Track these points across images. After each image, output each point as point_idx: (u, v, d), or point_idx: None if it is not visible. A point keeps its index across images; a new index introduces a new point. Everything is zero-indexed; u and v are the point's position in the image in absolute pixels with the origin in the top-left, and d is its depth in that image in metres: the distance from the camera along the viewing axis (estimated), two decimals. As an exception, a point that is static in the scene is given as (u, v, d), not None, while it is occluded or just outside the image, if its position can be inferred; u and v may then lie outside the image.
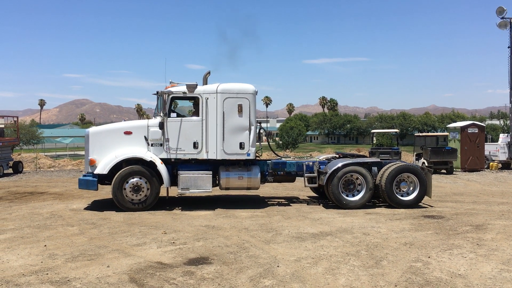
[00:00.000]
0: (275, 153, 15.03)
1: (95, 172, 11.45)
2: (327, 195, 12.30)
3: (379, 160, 12.83)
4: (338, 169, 11.90)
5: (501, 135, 29.64)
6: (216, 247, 7.83)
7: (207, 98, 11.73)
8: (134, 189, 11.35)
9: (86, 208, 11.86)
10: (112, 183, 11.38)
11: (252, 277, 6.21)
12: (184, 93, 11.70)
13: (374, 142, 32.63)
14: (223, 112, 11.70)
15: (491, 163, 26.38)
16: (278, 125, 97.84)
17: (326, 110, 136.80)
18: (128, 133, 11.75)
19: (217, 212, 11.31)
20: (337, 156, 13.70)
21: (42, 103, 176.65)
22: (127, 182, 11.34)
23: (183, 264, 6.84)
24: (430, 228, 9.41)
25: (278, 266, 6.70)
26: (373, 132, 29.75)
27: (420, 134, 35.59)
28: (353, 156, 13.66)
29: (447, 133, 27.86)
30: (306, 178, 12.50)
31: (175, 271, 6.49)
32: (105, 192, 15.14)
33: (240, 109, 11.74)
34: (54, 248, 7.72)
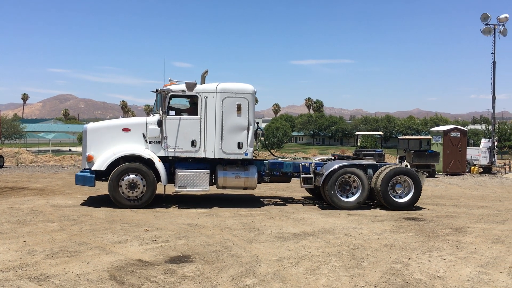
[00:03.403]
0: (271, 153, 15.10)
1: (92, 168, 11.42)
2: (323, 196, 12.39)
3: (375, 162, 12.95)
4: (335, 170, 11.97)
5: (483, 140, 30.12)
6: (198, 245, 7.81)
7: (206, 97, 11.76)
8: (130, 186, 11.31)
9: (68, 205, 11.73)
10: (109, 179, 11.35)
11: (234, 276, 6.21)
12: (183, 91, 11.72)
13: (359, 144, 32.91)
14: (222, 111, 11.74)
15: (472, 167, 26.77)
16: (264, 125, 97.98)
17: (311, 111, 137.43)
18: (126, 130, 11.74)
19: (200, 210, 11.28)
20: (333, 157, 13.79)
21: (25, 98, 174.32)
22: (123, 179, 11.30)
23: (164, 262, 6.80)
24: (411, 230, 9.51)
25: (259, 266, 6.71)
26: (358, 134, 30.01)
27: (404, 137, 35.91)
28: (348, 158, 13.79)
29: (430, 137, 28.21)
30: (302, 179, 12.54)
31: (156, 269, 6.45)
32: (87, 189, 14.99)
33: (239, 108, 11.79)
34: (34, 244, 7.62)
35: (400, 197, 12.26)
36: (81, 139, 62.98)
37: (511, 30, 28.49)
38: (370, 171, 12.40)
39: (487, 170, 27.30)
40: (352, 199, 12.09)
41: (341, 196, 12.08)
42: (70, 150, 56.98)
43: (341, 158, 13.56)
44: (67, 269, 6.31)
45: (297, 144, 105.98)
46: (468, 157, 27.02)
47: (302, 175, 12.47)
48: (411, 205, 12.24)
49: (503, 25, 28.67)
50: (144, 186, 11.37)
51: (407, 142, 27.45)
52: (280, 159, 13.34)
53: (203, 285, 5.83)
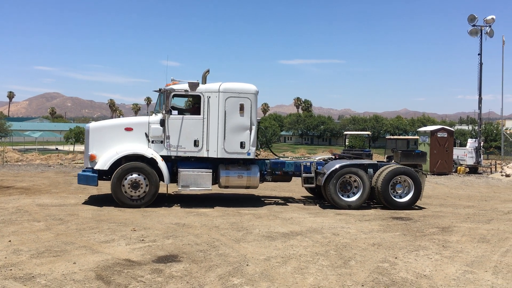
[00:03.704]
0: (273, 153, 15.17)
1: (95, 168, 11.38)
2: (324, 195, 12.44)
3: (375, 162, 13.03)
4: (336, 170, 12.03)
5: (469, 140, 30.42)
6: (185, 245, 7.78)
7: (209, 97, 11.79)
8: (133, 185, 11.28)
9: (54, 204, 11.62)
10: (112, 179, 11.30)
11: (221, 275, 6.20)
12: (186, 91, 11.74)
13: (347, 143, 33.08)
14: (225, 111, 11.78)
15: (458, 167, 27.01)
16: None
17: (300, 111, 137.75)
18: (128, 129, 11.72)
19: (188, 210, 11.24)
20: (333, 157, 13.83)
21: (11, 96, 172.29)
22: (126, 178, 11.26)
23: (151, 261, 6.77)
24: (398, 230, 9.57)
25: (247, 265, 6.70)
26: (346, 134, 30.14)
27: (392, 137, 36.16)
28: (349, 157, 13.82)
29: (418, 137, 28.41)
30: (303, 178, 12.56)
31: (143, 268, 6.42)
32: (74, 188, 14.88)
33: (241, 108, 11.84)
34: (19, 244, 7.53)
35: (401, 197, 12.36)
36: (68, 138, 62.40)
37: (497, 32, 28.82)
38: (370, 170, 12.48)
39: (473, 170, 27.57)
40: (354, 198, 12.16)
41: (342, 195, 12.15)
42: (56, 148, 56.48)
43: (341, 157, 13.64)
44: (53, 269, 6.25)
45: (286, 144, 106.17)
46: (454, 157, 27.27)
47: (304, 175, 12.51)
48: (411, 205, 12.34)
49: (490, 26, 28.98)
50: (147, 185, 11.36)
51: (395, 142, 27.66)
52: (281, 159, 13.42)
53: (191, 285, 5.81)
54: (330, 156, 13.92)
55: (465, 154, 28.22)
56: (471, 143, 29.24)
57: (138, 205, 11.26)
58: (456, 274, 6.56)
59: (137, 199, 11.34)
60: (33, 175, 19.22)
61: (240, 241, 8.19)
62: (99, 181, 11.61)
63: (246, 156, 11.95)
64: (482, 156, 29.24)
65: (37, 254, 6.97)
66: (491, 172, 27.26)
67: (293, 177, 12.95)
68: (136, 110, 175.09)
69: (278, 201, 13.40)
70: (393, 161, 14.15)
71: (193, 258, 6.98)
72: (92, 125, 11.99)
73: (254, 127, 11.97)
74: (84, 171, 11.73)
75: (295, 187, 16.07)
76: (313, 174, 12.49)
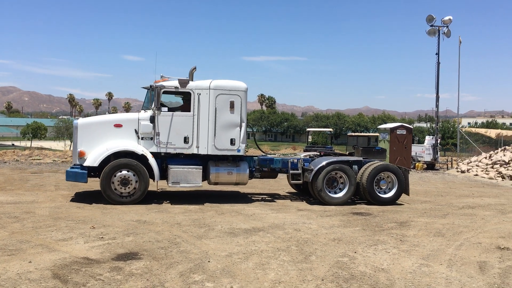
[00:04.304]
0: (260, 150, 15.24)
1: (84, 164, 11.18)
2: (311, 191, 12.61)
3: (360, 158, 13.29)
4: (323, 167, 12.21)
5: (427, 137, 31.35)
6: (146, 242, 7.69)
7: (199, 94, 11.79)
8: (123, 182, 11.15)
9: (9, 201, 11.23)
10: (101, 175, 11.12)
11: (182, 272, 6.15)
12: (176, 87, 11.67)
13: (310, 140, 33.43)
14: (215, 108, 11.82)
15: (417, 164, 27.80)
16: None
17: (264, 108, 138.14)
18: (118, 125, 11.60)
19: (150, 207, 11.11)
20: (319, 153, 14.05)
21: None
22: (115, 175, 11.11)
23: (111, 259, 6.65)
24: (358, 225, 9.76)
25: (209, 261, 6.68)
26: (309, 131, 30.45)
27: (353, 134, 36.80)
28: (335, 154, 14.07)
29: (378, 134, 29.04)
30: (290, 175, 12.69)
31: (102, 266, 6.29)
32: (30, 185, 14.46)
33: (232, 105, 11.91)
34: (-29, 243, 7.24)
35: (385, 193, 12.68)
36: (25, 133, 60.39)
37: (454, 32, 29.77)
38: (355, 167, 12.73)
39: (430, 166, 28.43)
40: (340, 194, 12.39)
41: (329, 192, 12.36)
42: (13, 144, 54.66)
43: (327, 154, 13.88)
44: (7, 268, 6.04)
45: (249, 140, 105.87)
46: (413, 153, 28.03)
47: (291, 171, 12.64)
48: (394, 200, 12.70)
49: (447, 26, 29.92)
50: (136, 182, 11.24)
51: (356, 139, 28.18)
52: (269, 155, 13.56)
53: (151, 282, 5.74)
54: (316, 153, 14.17)
55: (423, 151, 29.07)
56: (428, 140, 30.15)
57: (128, 202, 11.18)
58: (412, 267, 6.75)
59: (127, 196, 11.25)
60: (-13, 171, 18.51)
61: (202, 237, 8.16)
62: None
63: (236, 153, 12.06)
64: (439, 153, 30.21)
65: (-10, 253, 6.72)
66: (447, 168, 28.19)
67: (279, 173, 13.17)
68: (97, 105, 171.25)
69: (265, 197, 13.57)
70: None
71: (153, 255, 6.90)
72: (81, 121, 11.88)
73: (244, 124, 12.09)
74: (72, 167, 11.54)
75: (272, 182, 16.13)
76: (300, 171, 12.67)
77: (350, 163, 12.70)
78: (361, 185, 12.45)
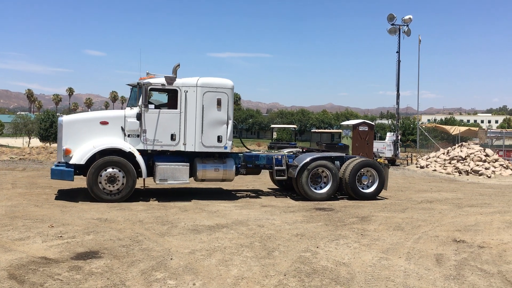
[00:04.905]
0: (245, 146, 15.25)
1: (70, 162, 10.94)
2: (296, 187, 12.74)
3: (342, 154, 13.51)
4: (308, 163, 12.37)
5: (388, 134, 32.08)
6: (107, 240, 7.55)
7: (186, 91, 11.76)
8: (110, 179, 11.02)
9: (-38, 200, 10.80)
10: (88, 173, 10.90)
11: (144, 270, 6.08)
12: (163, 85, 11.62)
13: (274, 137, 33.66)
14: (203, 105, 11.83)
15: (378, 159, 28.34)
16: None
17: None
18: (104, 123, 11.45)
19: (111, 205, 10.90)
20: (301, 150, 14.23)
21: None
22: (102, 174, 10.94)
23: (70, 258, 6.49)
24: (321, 220, 9.89)
25: (171, 259, 6.63)
26: (273, 127, 30.64)
27: (317, 130, 37.24)
28: (318, 150, 14.23)
29: (341, 130, 29.48)
30: (275, 171, 12.79)
31: (60, 266, 6.14)
32: (-14, 182, 13.93)
33: (219, 103, 11.96)
34: None
35: (367, 187, 12.99)
36: (-20, 130, 58.14)
37: (414, 31, 30.52)
38: (337, 163, 12.97)
39: (391, 162, 29.06)
40: (324, 190, 12.60)
41: (315, 188, 12.56)
42: (-33, 141, 52.45)
43: (310, 150, 14.03)
44: (-41, 270, 5.81)
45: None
46: (374, 149, 28.59)
47: (276, 167, 12.71)
48: (375, 195, 13.02)
49: (407, 25, 30.61)
50: (123, 178, 11.10)
51: (320, 135, 28.52)
52: (254, 152, 13.63)
53: (111, 281, 5.64)
54: (298, 150, 14.33)
55: (384, 147, 29.72)
56: (389, 136, 30.85)
57: (115, 199, 11.05)
58: (372, 261, 6.90)
59: (115, 193, 11.12)
60: None
61: (164, 235, 8.08)
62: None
63: (223, 150, 12.10)
64: (399, 149, 30.94)
65: None
66: (407, 164, 28.91)
67: (262, 170, 13.31)
68: (57, 101, 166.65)
69: (250, 194, 13.63)
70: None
71: (114, 254, 6.78)
72: (66, 118, 11.63)
73: (230, 122, 12.17)
74: (57, 165, 11.27)
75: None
76: (284, 167, 12.76)
77: (332, 159, 12.93)
78: (344, 181, 12.70)
